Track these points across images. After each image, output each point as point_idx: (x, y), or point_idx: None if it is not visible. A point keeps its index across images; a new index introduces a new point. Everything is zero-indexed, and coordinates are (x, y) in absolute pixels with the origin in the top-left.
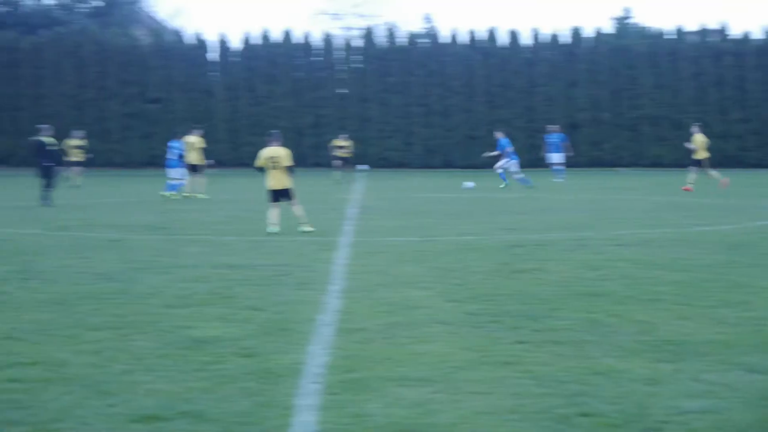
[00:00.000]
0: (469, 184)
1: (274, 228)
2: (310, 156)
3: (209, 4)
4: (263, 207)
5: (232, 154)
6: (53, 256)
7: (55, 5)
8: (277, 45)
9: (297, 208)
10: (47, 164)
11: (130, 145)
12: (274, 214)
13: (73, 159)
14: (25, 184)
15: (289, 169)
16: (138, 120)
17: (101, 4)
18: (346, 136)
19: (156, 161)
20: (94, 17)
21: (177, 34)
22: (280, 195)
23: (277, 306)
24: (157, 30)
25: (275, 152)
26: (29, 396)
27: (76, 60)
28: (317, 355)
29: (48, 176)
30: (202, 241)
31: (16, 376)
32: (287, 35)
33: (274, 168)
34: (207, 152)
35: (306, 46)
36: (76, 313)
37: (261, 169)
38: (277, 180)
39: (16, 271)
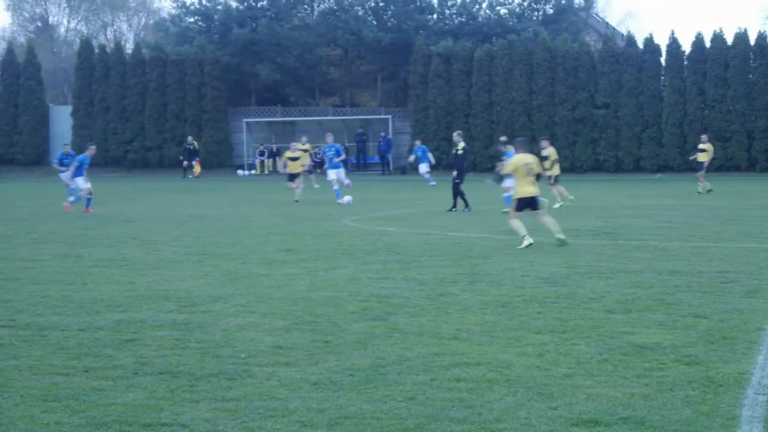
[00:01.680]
0: None
1: (528, 240)
2: (761, 160)
3: (659, 6)
4: (706, 213)
5: (679, 159)
6: (498, 259)
7: (509, 14)
8: (729, 47)
9: (546, 219)
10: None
11: (577, 150)
12: (520, 224)
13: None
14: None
15: (537, 177)
16: (585, 125)
17: (551, 11)
18: None
19: (601, 166)
20: (544, 24)
21: (627, 39)
22: (528, 204)
23: (721, 314)
24: (608, 35)
25: (528, 159)
26: (473, 395)
27: (526, 67)
28: (765, 365)
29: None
30: (647, 247)
31: (462, 376)
32: (741, 36)
33: (527, 175)
34: (654, 157)
35: (760, 48)
36: (519, 315)
37: (501, 178)
38: (528, 188)
39: (464, 274)
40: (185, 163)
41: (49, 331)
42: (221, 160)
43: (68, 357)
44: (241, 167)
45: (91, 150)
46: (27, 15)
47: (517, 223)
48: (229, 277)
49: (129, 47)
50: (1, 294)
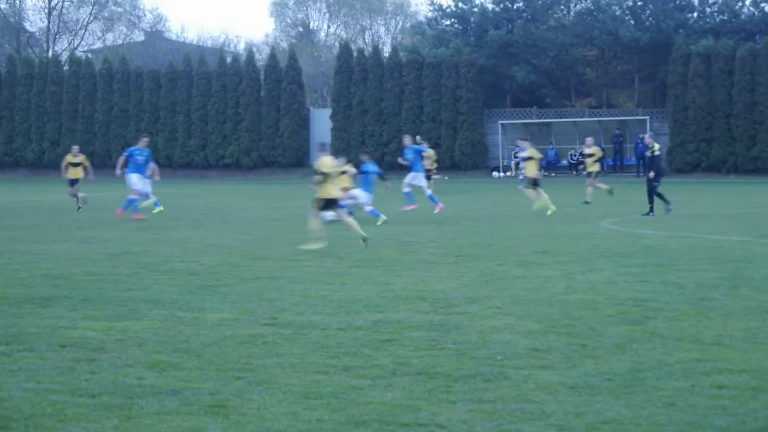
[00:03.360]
0: None
1: None
2: None
3: None
4: None
5: None
6: (763, 263)
7: None
8: None
9: None
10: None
11: None
12: None
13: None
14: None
15: None
16: None
17: None
18: None
19: None
20: None
21: None
22: None
23: None
24: None
25: None
26: (737, 403)
27: None
28: None
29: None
30: None
31: (724, 383)
32: None
33: None
34: None
35: None
36: None
37: None
38: None
39: (725, 278)
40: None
41: (309, 330)
42: (476, 162)
43: (328, 355)
44: (496, 169)
45: (143, 141)
46: (289, 21)
47: None
48: (484, 279)
49: (386, 50)
50: (264, 293)
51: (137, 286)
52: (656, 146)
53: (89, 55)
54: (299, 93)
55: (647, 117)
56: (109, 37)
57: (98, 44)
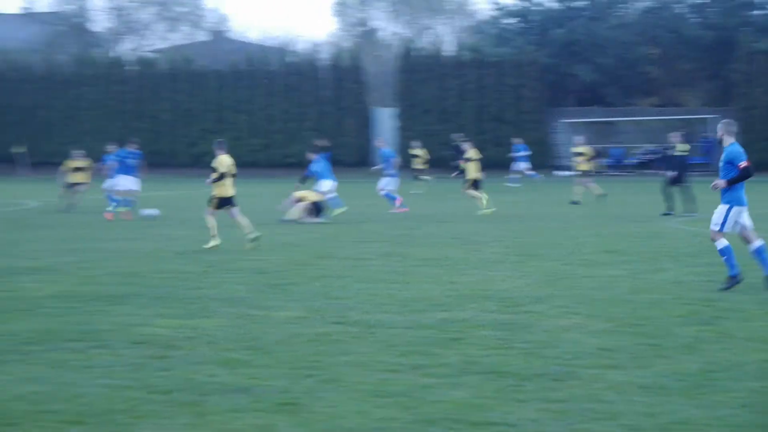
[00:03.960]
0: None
1: None
2: None
3: None
4: None
5: None
6: None
7: None
8: None
9: None
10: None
11: None
12: None
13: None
14: None
15: None
16: None
17: None
18: None
19: None
20: None
21: None
22: None
23: None
24: None
25: None
26: None
27: None
28: None
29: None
30: None
31: None
32: None
33: None
34: None
35: None
36: None
37: None
38: None
39: None
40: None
41: (377, 328)
42: (540, 161)
43: (396, 354)
44: (560, 168)
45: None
46: (351, 20)
47: None
48: (549, 278)
49: (448, 50)
50: (332, 291)
51: (207, 284)
52: (680, 146)
53: (154, 55)
54: (362, 92)
55: (712, 116)
56: (174, 37)
57: (162, 44)
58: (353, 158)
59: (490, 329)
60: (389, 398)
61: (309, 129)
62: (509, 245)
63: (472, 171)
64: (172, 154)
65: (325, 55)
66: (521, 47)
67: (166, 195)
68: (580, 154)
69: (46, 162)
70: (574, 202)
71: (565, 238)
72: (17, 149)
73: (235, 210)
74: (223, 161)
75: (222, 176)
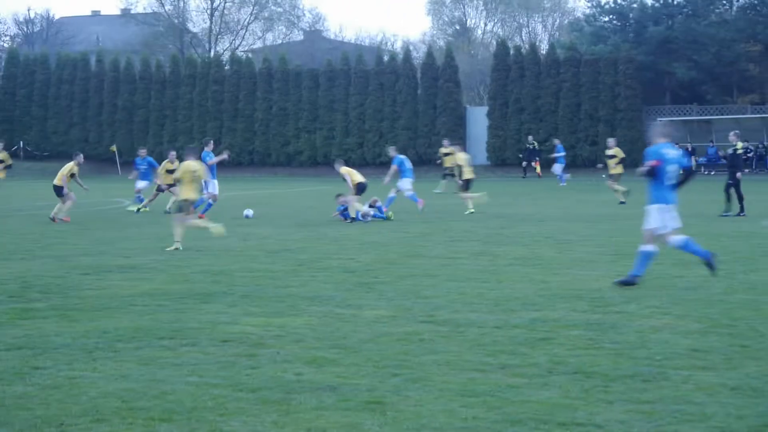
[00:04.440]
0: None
1: None
2: None
3: None
4: None
5: None
6: None
7: None
8: None
9: None
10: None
11: None
12: None
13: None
14: None
15: None
16: None
17: None
18: None
19: None
20: None
21: None
22: None
23: None
24: None
25: None
26: None
27: None
28: None
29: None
30: None
31: None
32: None
33: None
34: None
35: None
36: None
37: None
38: None
39: None
40: (524, 163)
41: (465, 328)
42: (635, 159)
43: (485, 353)
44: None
45: (142, 152)
46: (446, 19)
47: None
48: (642, 278)
49: (543, 48)
50: (421, 290)
51: (295, 283)
52: (739, 144)
53: (250, 55)
54: (456, 91)
55: None
56: (269, 36)
57: (258, 44)
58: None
59: (581, 329)
60: (476, 398)
61: (403, 128)
62: (602, 244)
63: (467, 172)
64: (267, 153)
65: (419, 54)
66: (617, 45)
67: (260, 193)
68: (612, 156)
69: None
70: (622, 202)
71: None
72: (113, 148)
73: (195, 212)
74: (184, 167)
75: (178, 182)
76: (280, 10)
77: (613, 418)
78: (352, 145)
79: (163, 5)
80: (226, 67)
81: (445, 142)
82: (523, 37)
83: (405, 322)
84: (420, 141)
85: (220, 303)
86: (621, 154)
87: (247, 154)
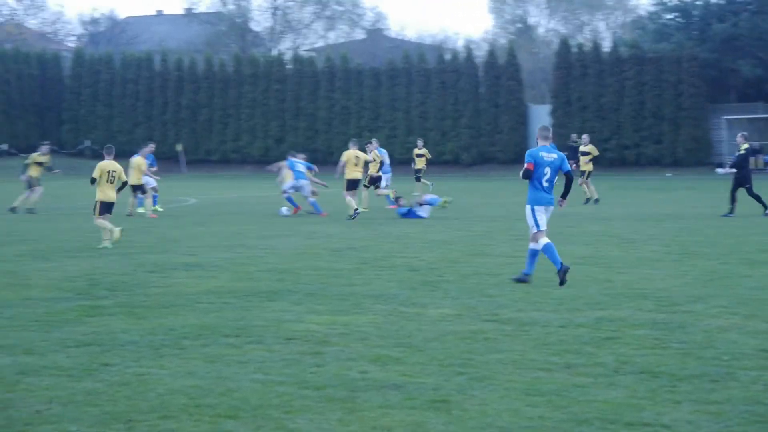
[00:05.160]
0: None
1: None
2: None
3: None
4: None
5: None
6: None
7: None
8: None
9: None
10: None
11: None
12: None
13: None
14: None
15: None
16: None
17: None
18: None
19: None
20: None
21: None
22: None
23: None
24: None
25: None
26: None
27: None
28: None
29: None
30: None
31: None
32: None
33: None
34: None
35: None
36: None
37: None
38: None
39: None
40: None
41: (530, 327)
42: (699, 158)
43: (549, 353)
44: (720, 165)
45: (150, 148)
46: (508, 17)
47: None
48: (708, 277)
49: (606, 46)
50: (485, 289)
51: (359, 281)
52: (743, 146)
53: (312, 54)
54: (518, 89)
55: None
56: (331, 35)
57: (320, 43)
58: (509, 155)
59: (647, 328)
60: (541, 397)
61: (465, 126)
62: (668, 243)
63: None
64: (329, 152)
65: (481, 53)
66: (681, 42)
67: (323, 191)
68: (585, 153)
69: (206, 160)
70: (596, 200)
71: (725, 236)
72: (179, 147)
73: (108, 216)
74: (100, 167)
75: (93, 181)
76: (341, 9)
77: (681, 419)
78: (414, 143)
79: (225, 4)
80: (288, 66)
81: (419, 142)
82: (586, 35)
83: (469, 320)
84: (482, 140)
85: (285, 301)
86: (595, 152)
87: (309, 153)
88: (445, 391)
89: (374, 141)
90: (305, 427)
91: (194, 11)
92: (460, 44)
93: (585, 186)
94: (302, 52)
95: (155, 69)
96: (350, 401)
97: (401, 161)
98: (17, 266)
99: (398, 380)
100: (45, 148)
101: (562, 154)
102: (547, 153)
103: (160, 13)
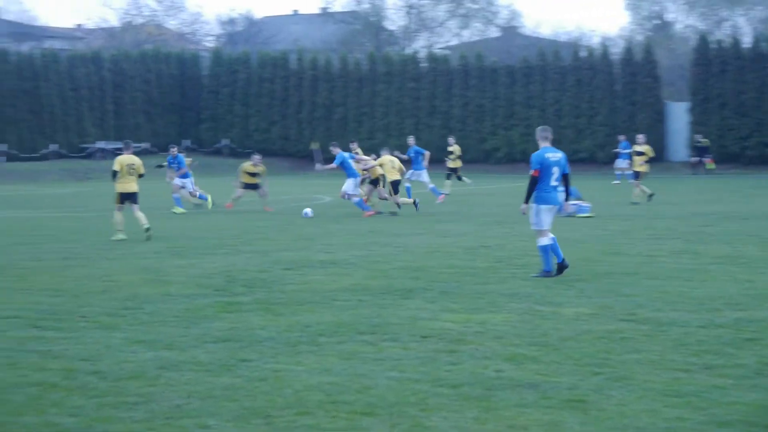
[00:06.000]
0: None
1: None
2: None
3: None
4: None
5: None
6: None
7: None
8: None
9: None
10: None
11: None
12: None
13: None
14: None
15: None
16: None
17: None
18: None
19: None
20: None
21: None
22: None
23: None
24: None
25: None
26: None
27: None
28: None
29: None
30: None
31: None
32: None
33: None
34: None
35: None
36: None
37: None
38: None
39: None
40: (694, 159)
41: (668, 327)
42: None
43: (688, 353)
44: None
45: (172, 151)
46: (645, 13)
47: None
48: None
49: (747, 41)
50: (621, 288)
51: (494, 280)
52: None
53: (446, 52)
54: (655, 86)
55: None
56: (465, 33)
57: (454, 41)
58: None
59: None
60: (680, 398)
61: (600, 124)
62: None
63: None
64: (464, 150)
65: (617, 50)
66: None
67: (456, 190)
68: (639, 153)
69: None
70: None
71: None
72: (314, 145)
73: (135, 206)
74: (119, 161)
75: (115, 174)
76: (476, 6)
77: None
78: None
79: (360, 3)
80: (422, 65)
81: (450, 139)
82: (725, 31)
83: (606, 320)
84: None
85: (419, 299)
86: (651, 152)
87: (442, 152)
88: (582, 391)
89: (341, 144)
90: (441, 425)
91: (329, 10)
92: (595, 41)
93: (638, 188)
94: (436, 50)
95: (291, 68)
96: (486, 400)
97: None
98: (156, 263)
99: (534, 379)
100: (257, 158)
101: (564, 153)
102: (552, 153)
103: (295, 13)
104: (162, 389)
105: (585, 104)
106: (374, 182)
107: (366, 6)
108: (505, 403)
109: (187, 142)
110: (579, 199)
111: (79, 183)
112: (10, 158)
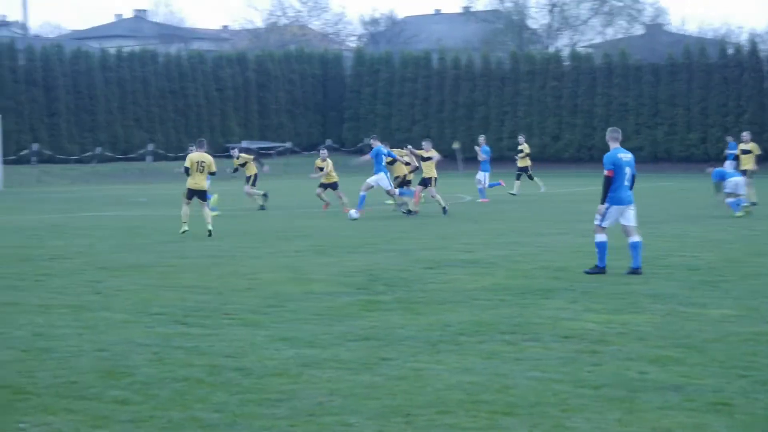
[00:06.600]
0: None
1: None
2: None
3: None
4: None
5: None
6: None
7: None
8: None
9: None
10: None
11: None
12: None
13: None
14: None
15: None
16: None
17: None
18: None
19: None
20: None
21: None
22: None
23: None
24: None
25: None
26: None
27: None
28: None
29: None
30: None
31: None
32: None
33: None
34: None
35: None
36: None
37: None
38: None
39: None
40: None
41: None
42: None
43: None
44: None
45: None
46: None
47: None
48: None
49: None
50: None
51: (636, 280)
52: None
53: (589, 50)
54: None
55: None
56: (609, 31)
57: (598, 39)
58: None
59: None
60: None
61: (748, 122)
62: None
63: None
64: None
65: (766, 46)
66: None
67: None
68: (746, 152)
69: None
70: (753, 204)
71: None
72: (456, 145)
73: (204, 204)
74: (190, 158)
75: (187, 171)
76: (620, 4)
77: None
78: (694, 140)
79: (502, 2)
80: (565, 63)
81: (521, 138)
82: None
83: (752, 321)
84: (766, 136)
85: (561, 299)
86: (757, 150)
87: (586, 150)
88: (727, 394)
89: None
90: (582, 427)
91: (471, 9)
92: (743, 38)
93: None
94: (579, 49)
95: (433, 67)
96: (629, 401)
97: (679, 159)
98: (298, 261)
99: (678, 381)
100: (324, 153)
101: (632, 155)
102: (623, 154)
103: (437, 12)
104: (304, 386)
105: (732, 102)
106: (425, 182)
107: (508, 4)
108: (649, 405)
109: (329, 142)
110: (737, 195)
111: (223, 182)
112: (157, 157)
